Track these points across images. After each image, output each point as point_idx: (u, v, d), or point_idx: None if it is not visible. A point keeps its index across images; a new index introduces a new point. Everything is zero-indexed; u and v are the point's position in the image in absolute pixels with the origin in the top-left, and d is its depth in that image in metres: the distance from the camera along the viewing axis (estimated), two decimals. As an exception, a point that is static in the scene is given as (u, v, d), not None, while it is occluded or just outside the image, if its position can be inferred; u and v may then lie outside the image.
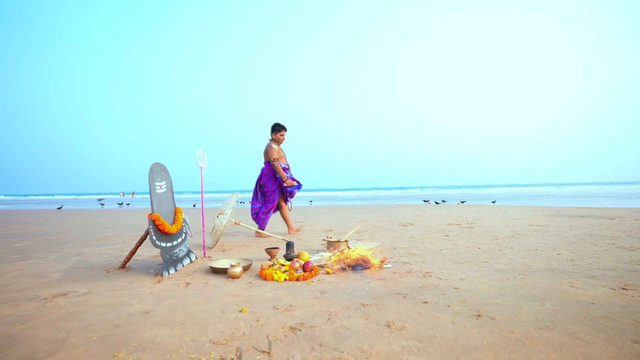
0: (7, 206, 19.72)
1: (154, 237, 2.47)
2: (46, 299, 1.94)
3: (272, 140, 4.52)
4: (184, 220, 2.97)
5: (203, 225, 3.22)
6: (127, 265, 2.81)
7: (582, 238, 3.69)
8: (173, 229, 2.64)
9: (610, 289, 1.85)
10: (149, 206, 15.94)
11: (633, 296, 1.73)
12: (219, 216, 3.73)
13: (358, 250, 2.67)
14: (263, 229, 4.43)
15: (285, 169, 4.51)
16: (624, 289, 1.85)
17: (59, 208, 15.38)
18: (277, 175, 4.43)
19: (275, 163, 4.37)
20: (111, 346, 1.31)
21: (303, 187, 4.87)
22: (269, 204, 4.48)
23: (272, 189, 4.47)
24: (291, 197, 4.66)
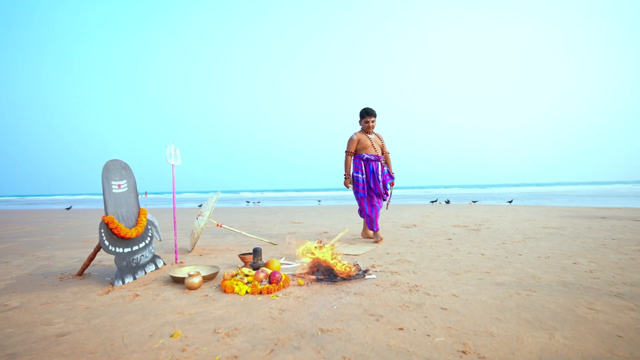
0: (20, 206, 20.09)
1: (107, 243, 2.19)
2: (-34, 314, 1.69)
3: (361, 130, 3.86)
4: (151, 223, 2.70)
5: (175, 227, 2.94)
6: (86, 271, 2.55)
7: (602, 243, 3.25)
8: (132, 233, 2.36)
9: (641, 313, 1.47)
10: (158, 206, 15.83)
11: (672, 325, 1.34)
12: (198, 217, 3.45)
13: (339, 257, 2.33)
14: (374, 230, 3.76)
15: (370, 161, 3.73)
16: (658, 313, 1.46)
17: (68, 208, 15.52)
18: (359, 171, 3.76)
19: (345, 155, 3.80)
20: (-19, 388, 1.03)
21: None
22: (361, 202, 3.82)
23: (359, 185, 3.78)
24: (382, 195, 3.78)
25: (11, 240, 4.53)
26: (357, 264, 2.34)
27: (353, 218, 6.90)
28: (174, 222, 2.96)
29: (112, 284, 2.15)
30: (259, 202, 18.14)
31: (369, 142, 3.76)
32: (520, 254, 2.81)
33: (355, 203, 14.01)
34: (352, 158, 3.82)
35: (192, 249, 3.40)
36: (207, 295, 1.90)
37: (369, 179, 3.74)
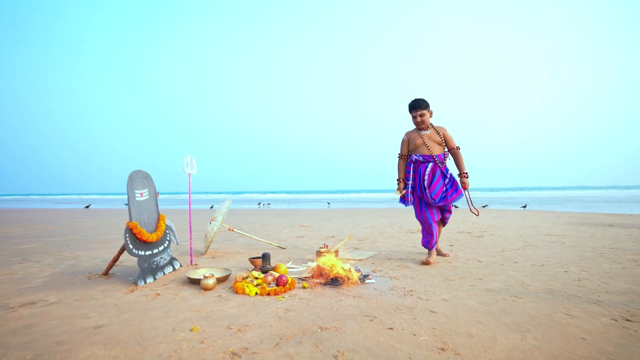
0: (41, 205, 20.81)
1: (131, 246, 2.42)
2: (13, 307, 1.93)
3: (414, 128, 3.25)
4: (169, 227, 2.93)
5: (190, 231, 3.17)
6: (110, 271, 2.79)
7: (600, 252, 3.35)
8: (153, 237, 2.59)
9: (612, 319, 1.61)
10: (170, 207, 16.17)
11: (636, 331, 1.48)
12: (211, 222, 3.68)
13: (340, 262, 2.52)
14: (428, 248, 3.12)
15: (419, 163, 3.14)
16: (628, 320, 1.60)
17: (87, 207, 16.09)
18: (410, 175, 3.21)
19: (398, 160, 3.28)
20: (38, 368, 1.25)
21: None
22: (415, 208, 3.21)
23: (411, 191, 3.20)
24: (439, 204, 3.06)
25: (36, 239, 4.85)
26: (359, 269, 2.52)
27: (361, 222, 7.06)
28: (190, 227, 3.19)
29: (136, 283, 2.38)
30: (269, 205, 18.44)
31: (420, 141, 3.15)
32: (516, 262, 2.94)
33: (371, 207, 14.15)
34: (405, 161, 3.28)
35: (206, 251, 3.63)
36: (220, 296, 2.10)
37: (416, 185, 3.17)
